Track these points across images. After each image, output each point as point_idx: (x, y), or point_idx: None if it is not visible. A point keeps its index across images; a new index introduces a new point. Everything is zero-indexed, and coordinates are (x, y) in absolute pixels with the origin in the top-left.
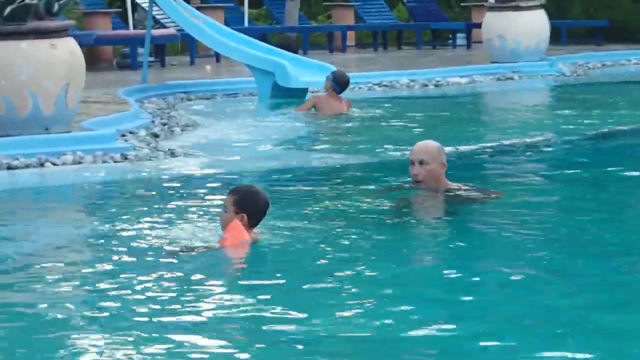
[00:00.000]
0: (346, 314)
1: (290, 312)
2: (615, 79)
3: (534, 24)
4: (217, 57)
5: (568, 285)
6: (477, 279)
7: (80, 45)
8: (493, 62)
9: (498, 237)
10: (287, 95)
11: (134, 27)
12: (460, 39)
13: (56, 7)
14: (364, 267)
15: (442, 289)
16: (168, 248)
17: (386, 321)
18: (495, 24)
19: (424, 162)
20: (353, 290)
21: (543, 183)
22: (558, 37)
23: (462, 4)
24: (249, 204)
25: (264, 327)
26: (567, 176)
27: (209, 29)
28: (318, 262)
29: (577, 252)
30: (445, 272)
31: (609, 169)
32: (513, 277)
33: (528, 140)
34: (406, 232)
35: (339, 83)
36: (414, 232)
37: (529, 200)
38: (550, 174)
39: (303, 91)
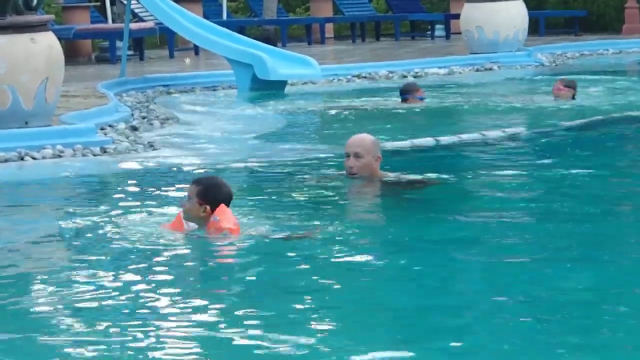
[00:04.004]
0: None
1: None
2: (592, 68)
3: (512, 15)
4: (196, 50)
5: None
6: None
7: (59, 39)
8: (472, 53)
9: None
10: (266, 88)
11: (113, 21)
12: (439, 30)
13: (35, 1)
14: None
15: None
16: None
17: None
18: (474, 15)
19: (359, 155)
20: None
21: (519, 174)
22: (536, 27)
23: None
24: (212, 196)
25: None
26: (543, 167)
27: (187, 21)
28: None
29: (538, 241)
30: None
31: (585, 158)
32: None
33: (507, 130)
34: (345, 221)
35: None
36: (354, 221)
37: (504, 189)
38: (527, 165)
39: (282, 83)
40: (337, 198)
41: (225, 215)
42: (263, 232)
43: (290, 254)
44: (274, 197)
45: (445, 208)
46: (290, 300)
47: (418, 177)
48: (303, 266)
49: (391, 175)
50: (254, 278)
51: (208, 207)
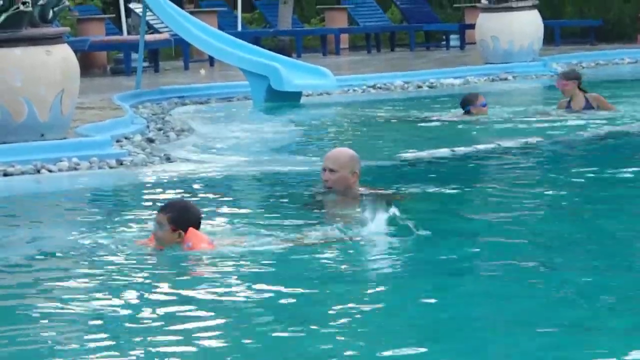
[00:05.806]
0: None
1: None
2: (608, 78)
3: (527, 25)
4: (211, 61)
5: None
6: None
7: (75, 51)
8: (487, 63)
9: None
10: (281, 99)
11: (128, 33)
12: (454, 40)
13: (51, 14)
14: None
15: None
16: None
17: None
18: (489, 25)
19: (332, 169)
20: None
21: (531, 184)
22: (552, 37)
23: (454, 5)
24: (184, 221)
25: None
26: (559, 177)
27: (202, 33)
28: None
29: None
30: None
31: (601, 169)
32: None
33: (521, 140)
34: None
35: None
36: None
37: (520, 199)
38: (541, 175)
39: (297, 94)
40: (313, 211)
41: (197, 238)
42: (239, 243)
43: (273, 265)
44: (255, 207)
45: (443, 217)
46: (285, 307)
47: (392, 191)
48: (286, 275)
49: (366, 190)
50: (243, 291)
51: (182, 232)
